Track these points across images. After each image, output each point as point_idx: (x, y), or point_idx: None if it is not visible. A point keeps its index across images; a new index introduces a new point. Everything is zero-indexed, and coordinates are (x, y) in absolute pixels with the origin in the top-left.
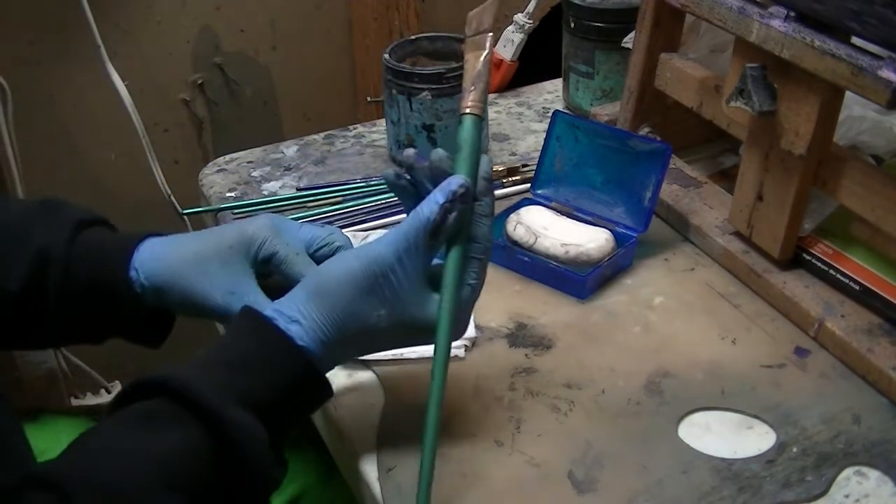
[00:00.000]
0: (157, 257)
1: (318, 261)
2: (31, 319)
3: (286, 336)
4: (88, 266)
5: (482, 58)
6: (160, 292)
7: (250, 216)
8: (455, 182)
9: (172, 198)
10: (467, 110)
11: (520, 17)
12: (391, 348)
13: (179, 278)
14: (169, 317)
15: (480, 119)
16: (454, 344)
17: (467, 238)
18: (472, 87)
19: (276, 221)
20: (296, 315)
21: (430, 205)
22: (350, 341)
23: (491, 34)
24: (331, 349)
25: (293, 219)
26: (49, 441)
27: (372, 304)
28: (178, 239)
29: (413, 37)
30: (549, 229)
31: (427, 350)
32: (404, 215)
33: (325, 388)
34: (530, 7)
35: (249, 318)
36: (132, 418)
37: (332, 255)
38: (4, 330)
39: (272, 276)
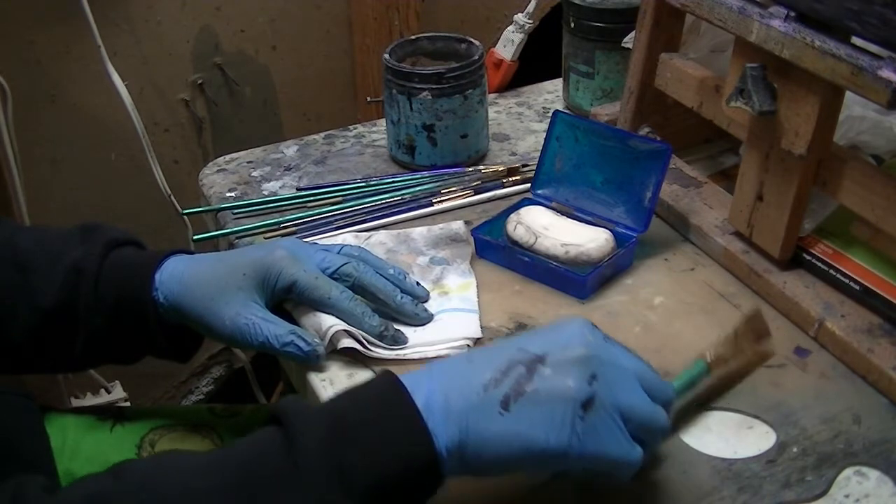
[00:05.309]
0: (177, 277)
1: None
2: (63, 338)
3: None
4: (116, 283)
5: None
6: (179, 311)
7: (251, 217)
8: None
9: (172, 198)
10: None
11: (520, 17)
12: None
13: (194, 299)
14: (195, 333)
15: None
16: (456, 344)
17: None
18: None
19: (294, 249)
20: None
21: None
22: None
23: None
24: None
25: (294, 218)
26: (56, 439)
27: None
28: (198, 259)
29: (413, 37)
30: (549, 229)
31: (426, 350)
32: (404, 215)
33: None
34: (530, 7)
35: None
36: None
37: (351, 286)
38: (36, 350)
39: (293, 301)
